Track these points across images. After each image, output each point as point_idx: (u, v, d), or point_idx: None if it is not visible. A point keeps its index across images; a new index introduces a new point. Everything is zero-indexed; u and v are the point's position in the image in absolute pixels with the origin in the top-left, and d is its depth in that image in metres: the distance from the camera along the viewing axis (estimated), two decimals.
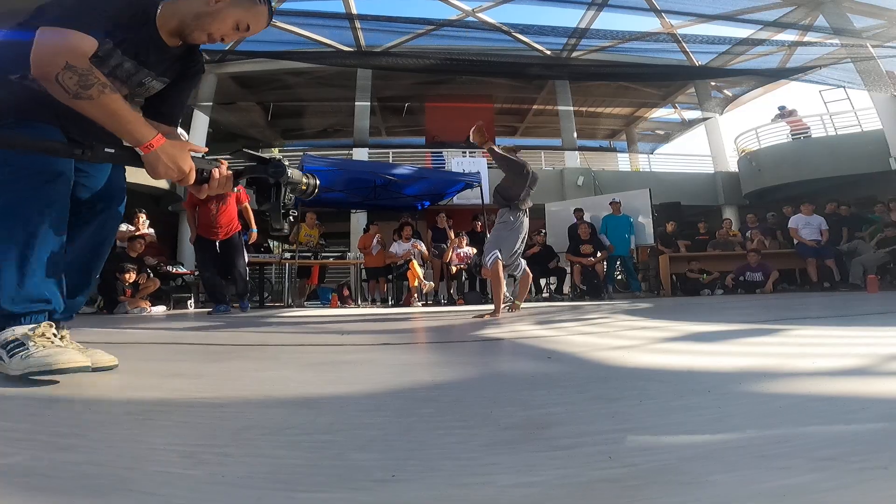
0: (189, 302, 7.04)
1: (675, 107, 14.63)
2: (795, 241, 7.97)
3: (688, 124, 15.34)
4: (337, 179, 8.22)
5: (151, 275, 6.36)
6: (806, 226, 7.93)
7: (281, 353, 1.82)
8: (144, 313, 5.60)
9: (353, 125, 11.45)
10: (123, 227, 6.79)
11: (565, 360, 1.42)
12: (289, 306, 7.35)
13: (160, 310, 6.04)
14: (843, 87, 9.08)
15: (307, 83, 11.63)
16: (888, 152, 9.19)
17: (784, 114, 11.69)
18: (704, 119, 12.92)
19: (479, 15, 8.52)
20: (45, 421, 0.76)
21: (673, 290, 8.16)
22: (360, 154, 11.27)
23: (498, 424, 0.76)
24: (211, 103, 11.21)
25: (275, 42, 8.56)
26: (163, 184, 10.04)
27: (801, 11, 8.31)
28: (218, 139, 12.28)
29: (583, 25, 8.65)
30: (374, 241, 7.70)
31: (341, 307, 7.16)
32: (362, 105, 11.09)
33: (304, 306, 7.44)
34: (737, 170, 12.48)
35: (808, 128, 11.36)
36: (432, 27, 8.54)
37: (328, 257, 8.20)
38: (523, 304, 4.19)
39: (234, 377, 1.23)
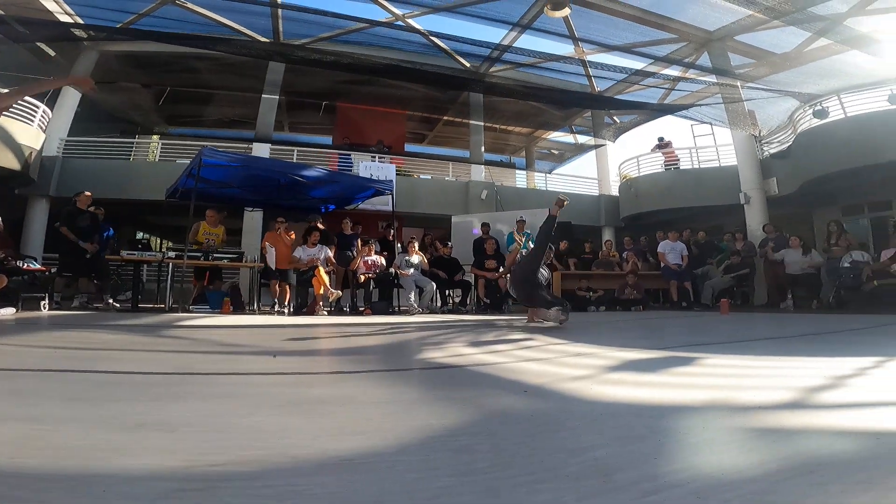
0: (43, 303, 5.99)
1: (572, 130, 15.90)
2: (662, 265, 9.17)
3: (580, 148, 16.77)
4: (235, 176, 7.62)
5: None
6: (671, 251, 9.15)
7: (231, 387, 1.64)
8: None
9: (257, 118, 10.67)
10: None
11: (544, 395, 1.50)
12: (171, 310, 6.61)
13: (9, 312, 5.07)
14: (712, 123, 10.49)
15: (211, 69, 10.59)
16: (739, 187, 10.74)
17: (662, 145, 13.33)
18: (597, 146, 14.28)
19: (409, 21, 8.52)
20: None
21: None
22: (262, 149, 10.54)
23: (562, 474, 0.79)
24: None
25: (182, 24, 7.71)
26: (12, 162, 8.43)
27: (691, 47, 9.47)
28: (90, 119, 10.67)
29: (506, 43, 9.06)
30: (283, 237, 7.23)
31: (235, 313, 6.61)
32: (270, 98, 10.39)
33: (189, 311, 6.74)
34: (617, 194, 13.99)
35: (679, 159, 13.08)
36: (360, 26, 8.35)
37: (222, 258, 7.51)
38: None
39: (210, 426, 1.09)
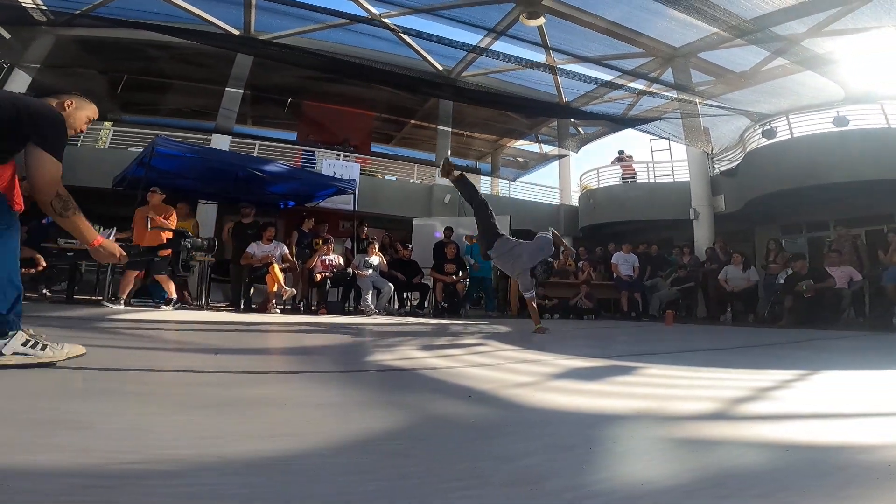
0: None
1: (537, 139, 16.15)
2: (615, 275, 9.48)
3: (545, 157, 17.06)
4: (190, 166, 7.35)
5: None
6: (624, 262, 9.46)
7: (161, 385, 1.58)
8: None
9: (219, 110, 10.30)
10: None
11: (487, 401, 1.52)
12: (109, 301, 6.29)
13: None
14: (670, 139, 10.81)
15: (173, 58, 10.15)
16: (690, 203, 11.07)
17: (622, 158, 13.74)
18: (561, 156, 14.58)
19: (385, 20, 8.44)
20: None
21: (518, 312, 9.02)
22: (221, 141, 10.19)
23: (492, 481, 0.81)
24: (38, 65, 9.20)
25: (148, 11, 7.39)
26: None
27: (656, 62, 9.74)
28: None
29: (481, 46, 9.14)
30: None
31: (180, 308, 6.35)
32: (233, 92, 10.06)
33: (130, 304, 6.41)
34: (577, 204, 14.35)
35: (636, 173, 13.51)
36: (338, 22, 8.23)
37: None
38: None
39: (133, 424, 1.05)
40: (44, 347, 1.69)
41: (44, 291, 6.54)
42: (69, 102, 1.91)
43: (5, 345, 1.62)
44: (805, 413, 1.47)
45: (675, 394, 1.71)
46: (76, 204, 1.78)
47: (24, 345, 1.65)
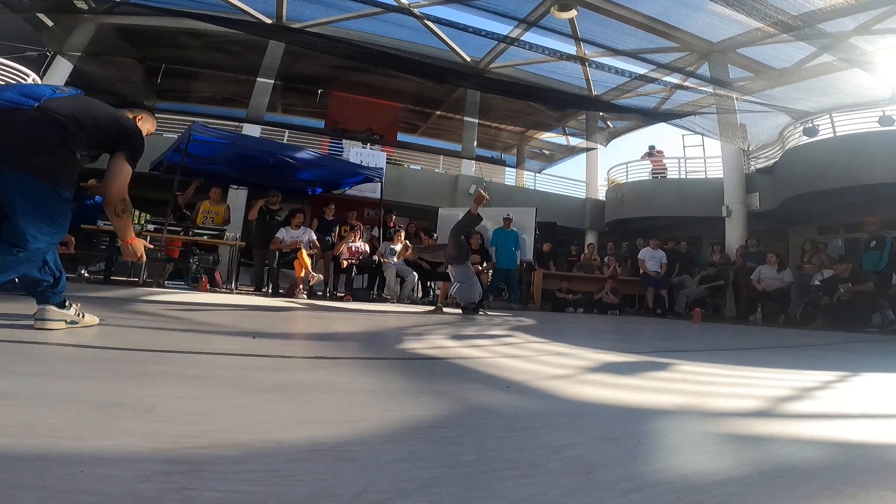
0: None
1: (564, 131, 15.91)
2: (641, 271, 9.32)
3: (572, 150, 16.81)
4: (222, 153, 7.49)
5: None
6: (651, 259, 9.29)
7: (210, 368, 1.63)
8: None
9: (250, 99, 10.47)
10: None
11: (524, 392, 1.53)
12: (144, 284, 6.52)
13: None
14: (703, 134, 10.48)
15: (207, 47, 10.34)
16: (722, 200, 10.75)
17: (652, 153, 13.44)
18: (589, 149, 14.34)
19: (415, 11, 8.41)
20: None
21: (541, 305, 8.99)
22: (252, 130, 10.37)
23: (545, 470, 0.82)
24: (80, 53, 9.50)
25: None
26: None
27: (693, 57, 9.45)
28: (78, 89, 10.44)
29: (511, 37, 9.02)
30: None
31: (211, 291, 6.53)
32: (264, 82, 10.20)
33: (164, 286, 6.62)
34: (604, 199, 14.12)
35: (666, 168, 13.20)
36: (367, 11, 8.25)
37: (202, 234, 7.37)
38: None
39: (190, 409, 1.08)
40: (82, 315, 2.15)
41: (82, 272, 6.78)
42: (140, 117, 2.28)
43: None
44: (851, 413, 1.45)
45: (716, 391, 1.70)
46: (132, 209, 2.18)
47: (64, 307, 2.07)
